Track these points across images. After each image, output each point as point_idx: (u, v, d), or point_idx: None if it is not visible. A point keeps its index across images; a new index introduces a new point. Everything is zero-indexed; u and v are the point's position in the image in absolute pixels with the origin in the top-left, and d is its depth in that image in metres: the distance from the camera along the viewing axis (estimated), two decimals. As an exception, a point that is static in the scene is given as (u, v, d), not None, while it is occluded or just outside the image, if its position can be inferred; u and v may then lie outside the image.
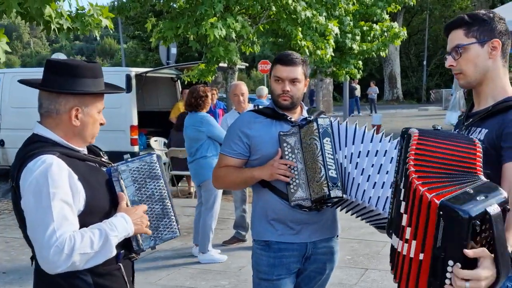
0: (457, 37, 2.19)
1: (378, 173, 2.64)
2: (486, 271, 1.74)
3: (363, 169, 2.65)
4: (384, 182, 2.62)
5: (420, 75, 38.89)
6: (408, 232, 1.91)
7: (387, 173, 2.63)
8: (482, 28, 2.18)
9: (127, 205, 2.26)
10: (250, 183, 2.93)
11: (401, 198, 2.02)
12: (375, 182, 2.62)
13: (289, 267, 2.88)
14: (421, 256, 1.86)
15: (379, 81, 35.16)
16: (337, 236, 3.05)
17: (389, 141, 2.69)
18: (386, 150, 2.66)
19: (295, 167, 2.73)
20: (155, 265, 5.88)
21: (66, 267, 1.97)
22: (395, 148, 2.62)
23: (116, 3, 8.78)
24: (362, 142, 2.69)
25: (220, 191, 6.08)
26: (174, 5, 9.25)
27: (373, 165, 2.65)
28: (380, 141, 2.69)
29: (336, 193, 2.60)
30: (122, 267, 2.27)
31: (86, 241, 2.00)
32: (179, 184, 9.95)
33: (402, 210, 2.00)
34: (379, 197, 2.60)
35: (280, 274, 2.86)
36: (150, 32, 9.01)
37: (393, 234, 2.11)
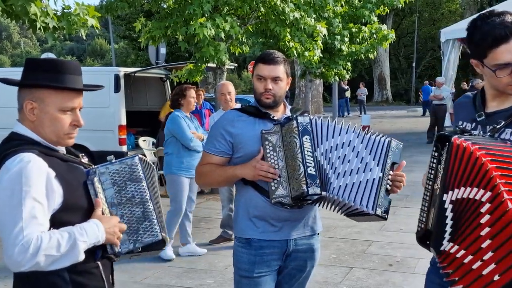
0: None
1: (342, 163, 2.71)
2: None
3: (332, 163, 2.71)
4: (345, 171, 2.71)
5: (409, 76, 39.07)
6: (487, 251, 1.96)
7: (348, 162, 2.71)
8: None
9: (102, 213, 2.23)
10: (233, 181, 2.95)
11: (448, 210, 2.08)
12: (339, 173, 2.70)
13: (269, 264, 2.89)
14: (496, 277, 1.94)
15: (369, 82, 35.31)
16: (318, 233, 3.06)
17: (353, 131, 2.77)
18: (350, 140, 2.74)
19: (276, 166, 2.74)
20: (140, 264, 5.87)
21: (30, 266, 1.94)
22: (357, 137, 2.74)
23: (104, 2, 8.76)
24: (333, 137, 2.75)
25: (182, 187, 6.09)
26: (163, 5, 9.26)
27: (339, 157, 2.72)
28: (346, 133, 2.76)
29: (314, 190, 2.63)
30: (100, 265, 2.26)
31: (53, 243, 1.97)
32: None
33: (449, 224, 2.08)
34: (340, 186, 2.69)
35: (260, 271, 2.87)
36: (140, 32, 9.01)
37: (432, 248, 2.17)
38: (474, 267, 1.97)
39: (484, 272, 1.94)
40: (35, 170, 2.02)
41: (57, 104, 2.16)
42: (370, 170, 2.70)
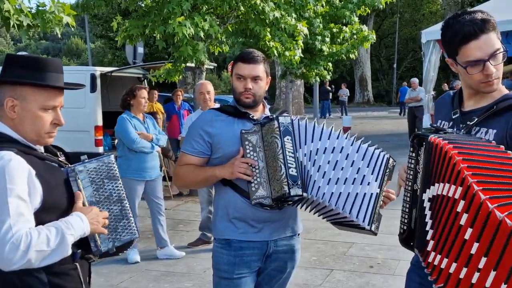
0: (493, 41, 2.11)
1: (334, 169, 2.65)
2: None
3: (320, 166, 2.65)
4: (338, 178, 2.64)
5: (390, 78, 39.36)
6: (474, 248, 1.78)
7: (342, 169, 2.65)
8: (497, 28, 2.15)
9: (83, 205, 2.23)
10: (212, 182, 2.90)
11: (427, 209, 2.02)
12: (330, 179, 2.63)
13: (250, 265, 2.85)
14: (493, 273, 1.73)
15: (350, 83, 35.48)
16: (298, 234, 3.02)
17: (346, 138, 2.71)
18: (342, 147, 2.68)
19: (256, 165, 2.70)
20: (117, 267, 5.77)
21: (21, 264, 1.92)
22: (352, 145, 2.68)
23: (80, 0, 8.60)
24: (320, 140, 2.69)
25: (131, 190, 5.91)
26: (141, 4, 9.15)
27: (329, 161, 2.66)
28: (338, 138, 2.70)
29: (296, 191, 2.59)
30: (78, 266, 2.23)
31: (43, 238, 1.96)
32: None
33: (429, 224, 2.01)
34: (332, 193, 2.62)
35: (240, 272, 2.83)
36: (117, 31, 8.88)
37: (416, 249, 2.11)
38: (473, 281, 1.78)
39: (488, 285, 1.74)
40: (17, 168, 2.01)
41: (39, 102, 2.14)
42: (368, 184, 2.65)
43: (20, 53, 18.53)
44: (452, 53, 2.20)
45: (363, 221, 2.61)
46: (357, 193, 2.63)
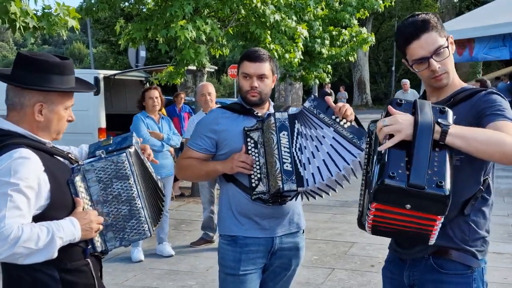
0: (434, 39, 2.24)
1: (318, 151, 2.69)
2: (401, 114, 2.02)
3: (308, 157, 2.69)
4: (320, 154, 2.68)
5: (388, 80, 39.38)
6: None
7: (321, 143, 2.69)
8: (442, 27, 2.28)
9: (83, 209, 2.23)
10: (213, 176, 2.98)
11: None
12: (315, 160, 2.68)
13: (255, 262, 2.90)
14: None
15: (349, 86, 35.48)
16: (303, 231, 3.07)
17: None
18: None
19: (257, 161, 2.75)
20: (122, 266, 5.83)
21: (6, 256, 1.94)
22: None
23: (83, 5, 8.64)
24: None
25: None
26: (143, 8, 9.21)
27: (305, 147, 2.70)
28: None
29: (290, 186, 2.63)
30: (90, 262, 2.26)
31: (33, 236, 1.97)
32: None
33: None
34: (326, 162, 2.66)
35: (246, 269, 2.87)
36: (119, 35, 8.93)
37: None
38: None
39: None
40: (26, 165, 2.03)
41: (63, 104, 2.25)
42: (324, 137, 2.69)
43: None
44: (403, 54, 2.35)
45: (347, 162, 2.64)
46: (324, 158, 2.66)
